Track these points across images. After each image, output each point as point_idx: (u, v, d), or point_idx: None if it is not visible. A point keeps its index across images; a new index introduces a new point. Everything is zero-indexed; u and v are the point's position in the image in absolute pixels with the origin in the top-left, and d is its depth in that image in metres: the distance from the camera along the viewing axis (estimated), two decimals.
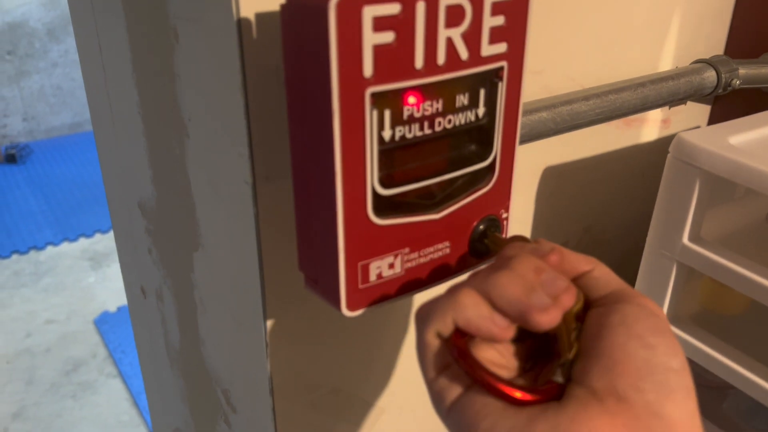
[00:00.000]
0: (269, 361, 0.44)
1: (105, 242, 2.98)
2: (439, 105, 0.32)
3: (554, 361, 0.29)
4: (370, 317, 0.48)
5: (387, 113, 0.30)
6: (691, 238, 0.43)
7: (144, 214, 0.61)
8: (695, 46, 0.59)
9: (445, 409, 0.29)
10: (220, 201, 0.43)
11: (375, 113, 0.30)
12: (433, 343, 0.30)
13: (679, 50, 0.58)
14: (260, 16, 0.34)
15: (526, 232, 0.56)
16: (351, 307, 0.33)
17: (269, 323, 0.42)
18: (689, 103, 0.62)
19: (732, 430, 0.46)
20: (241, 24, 0.34)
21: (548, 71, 0.50)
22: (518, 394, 0.27)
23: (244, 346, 0.46)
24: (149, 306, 0.71)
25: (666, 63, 0.58)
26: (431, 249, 0.35)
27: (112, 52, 0.53)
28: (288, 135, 0.32)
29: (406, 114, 0.31)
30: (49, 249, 2.94)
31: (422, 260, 0.35)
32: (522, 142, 0.45)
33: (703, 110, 0.64)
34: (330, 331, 0.46)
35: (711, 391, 0.49)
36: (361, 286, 0.33)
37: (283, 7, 0.29)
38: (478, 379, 0.28)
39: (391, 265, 0.34)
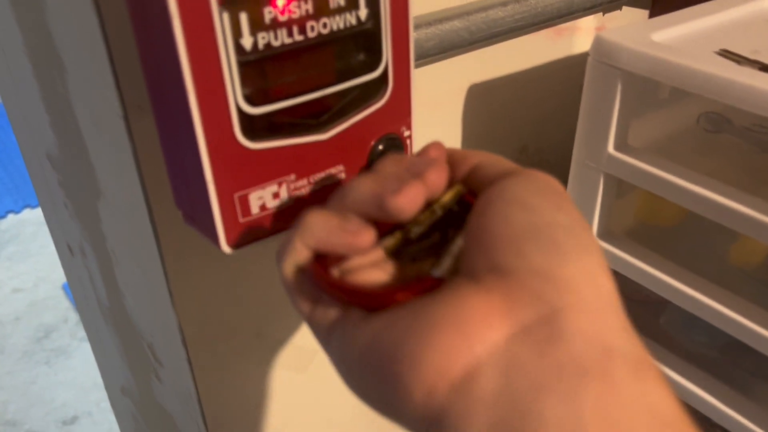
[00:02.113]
0: (176, 309, 0.41)
1: None
2: (308, 6, 0.28)
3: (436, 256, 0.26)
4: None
5: (243, 16, 0.26)
6: (617, 147, 0.40)
7: (53, 165, 0.57)
8: None
9: (324, 341, 0.26)
10: (103, 141, 0.39)
11: (226, 17, 0.26)
12: (294, 277, 0.27)
13: None
14: None
15: None
16: (232, 242, 0.30)
17: (171, 268, 0.39)
18: (625, 9, 0.58)
19: (669, 344, 0.44)
20: None
21: None
22: (386, 297, 0.24)
23: (153, 295, 0.43)
24: (77, 263, 0.67)
25: None
26: (322, 174, 0.32)
27: None
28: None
29: (267, 17, 0.27)
30: (11, 217, 2.87)
31: (313, 187, 0.32)
32: (433, 55, 0.42)
33: (642, 15, 0.60)
34: (244, 271, 0.43)
35: (647, 306, 0.47)
36: (242, 220, 0.30)
37: None
38: (340, 295, 0.25)
39: (276, 195, 0.30)
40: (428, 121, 0.49)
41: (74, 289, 0.78)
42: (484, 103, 0.52)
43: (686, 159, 0.41)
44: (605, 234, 0.44)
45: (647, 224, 0.46)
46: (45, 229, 2.80)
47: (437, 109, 0.49)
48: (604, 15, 0.57)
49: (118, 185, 0.40)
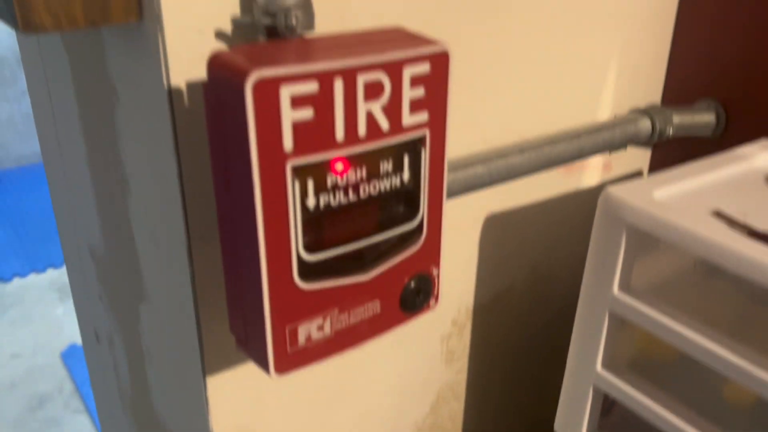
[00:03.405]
0: (211, 418, 0.44)
1: None
2: (362, 172, 0.33)
3: None
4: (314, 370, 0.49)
5: (310, 183, 0.31)
6: (621, 288, 0.45)
7: (94, 259, 0.61)
8: (633, 93, 0.62)
9: None
10: (160, 257, 0.44)
11: (297, 184, 0.31)
12: None
13: (617, 98, 0.61)
14: (192, 85, 0.35)
15: (470, 277, 0.57)
16: (280, 369, 0.34)
17: (210, 380, 0.43)
18: (630, 148, 0.64)
19: None
20: (172, 91, 0.35)
21: (486, 123, 0.51)
22: None
23: (187, 400, 0.47)
24: (102, 350, 0.70)
25: (605, 110, 0.60)
26: (361, 309, 0.36)
27: (60, 101, 0.53)
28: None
29: (329, 183, 0.32)
30: (16, 280, 2.89)
31: (352, 320, 0.36)
32: (457, 194, 0.47)
33: (644, 154, 0.66)
34: (274, 386, 0.47)
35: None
36: (289, 349, 0.34)
37: (205, 84, 0.30)
38: None
39: (320, 327, 0.34)
40: (448, 248, 0.53)
41: (93, 372, 0.80)
42: (499, 229, 0.57)
43: (684, 301, 0.45)
44: (609, 365, 0.48)
45: (649, 357, 0.50)
46: (49, 294, 2.83)
47: (457, 235, 0.54)
48: (610, 154, 0.63)
49: (169, 299, 0.44)
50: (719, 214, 0.43)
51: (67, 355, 2.47)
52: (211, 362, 0.42)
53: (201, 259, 0.39)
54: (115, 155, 0.46)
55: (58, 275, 2.92)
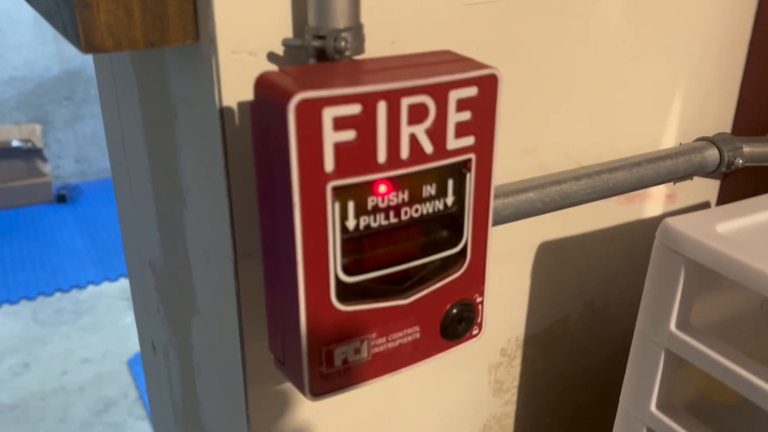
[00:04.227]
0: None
1: None
2: (404, 195, 0.33)
3: None
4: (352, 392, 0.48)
5: (350, 204, 0.31)
6: (679, 326, 0.43)
7: (154, 273, 0.63)
8: (701, 122, 0.59)
9: None
10: (210, 272, 0.45)
11: (337, 205, 0.31)
12: None
13: (684, 127, 0.58)
14: (243, 105, 0.36)
15: (522, 306, 0.55)
16: (315, 392, 0.33)
17: (251, 397, 0.43)
18: (696, 179, 0.61)
19: None
20: (224, 111, 0.36)
21: (542, 148, 0.50)
22: None
23: (230, 416, 0.47)
24: (158, 361, 0.72)
25: (669, 140, 0.58)
26: (400, 334, 0.35)
27: (129, 119, 0.56)
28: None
29: (370, 205, 0.32)
30: (90, 288, 3.02)
31: (390, 345, 0.35)
32: (508, 220, 0.46)
33: (712, 185, 0.63)
34: (317, 409, 0.47)
35: None
36: (325, 371, 0.33)
37: (251, 103, 0.31)
38: None
39: (357, 350, 0.34)
40: (498, 275, 0.52)
41: (149, 381, 0.83)
42: (553, 259, 0.55)
43: (747, 343, 0.42)
44: (665, 406, 0.45)
45: (708, 399, 0.47)
46: (120, 303, 2.94)
47: (508, 264, 0.52)
48: (675, 184, 0.60)
49: (216, 313, 0.45)
50: None
51: (134, 363, 2.56)
52: (254, 380, 0.43)
53: (247, 276, 0.40)
54: (174, 172, 0.47)
55: (129, 285, 3.03)
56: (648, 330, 0.44)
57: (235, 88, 0.35)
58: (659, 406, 0.45)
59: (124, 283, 3.05)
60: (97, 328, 2.78)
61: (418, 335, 0.36)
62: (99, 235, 3.37)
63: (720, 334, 0.43)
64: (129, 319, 2.83)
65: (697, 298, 0.43)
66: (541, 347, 0.58)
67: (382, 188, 0.32)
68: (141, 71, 0.49)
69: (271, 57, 0.35)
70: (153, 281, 0.64)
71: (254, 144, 0.32)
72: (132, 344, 2.67)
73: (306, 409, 0.46)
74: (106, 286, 3.02)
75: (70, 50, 3.47)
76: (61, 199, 3.53)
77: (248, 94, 0.36)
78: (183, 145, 0.44)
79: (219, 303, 0.44)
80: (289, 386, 0.44)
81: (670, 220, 0.42)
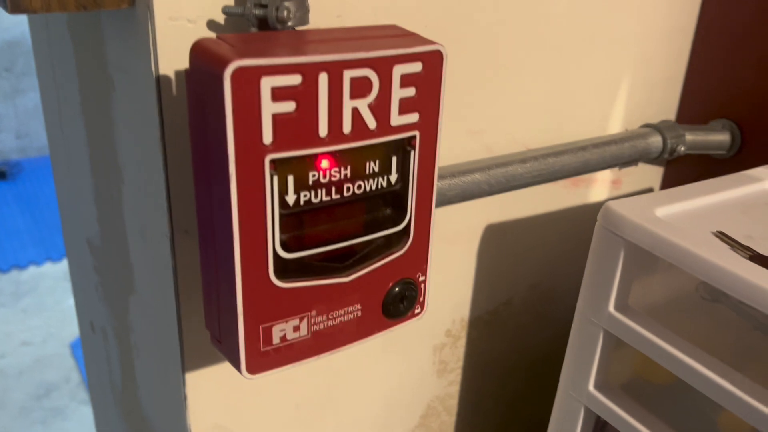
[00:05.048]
0: (188, 413, 0.43)
1: None
2: (347, 171, 0.32)
3: None
4: (296, 368, 0.48)
5: (290, 178, 0.30)
6: (617, 307, 0.43)
7: (92, 251, 0.61)
8: (646, 110, 0.60)
9: None
10: (147, 249, 0.43)
11: (276, 178, 0.30)
12: None
13: (630, 112, 0.59)
14: (181, 74, 0.35)
15: (467, 288, 0.55)
16: (252, 369, 0.33)
17: (189, 375, 0.42)
18: (641, 165, 0.62)
19: None
20: (161, 80, 0.34)
21: (490, 131, 0.50)
22: None
23: (168, 396, 0.46)
24: (97, 342, 0.70)
25: (615, 124, 0.59)
26: (341, 312, 0.35)
27: (66, 90, 0.53)
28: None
29: (311, 179, 0.31)
30: (32, 269, 2.92)
31: (331, 323, 0.35)
32: (454, 202, 0.46)
33: (656, 171, 0.65)
34: (257, 383, 0.46)
35: None
36: (263, 349, 0.33)
37: (187, 72, 0.29)
38: None
39: (296, 328, 0.33)
40: (444, 255, 0.52)
41: (89, 363, 0.80)
42: (499, 242, 0.55)
43: (682, 324, 0.43)
44: (601, 386, 0.46)
45: (643, 379, 0.48)
46: (63, 284, 2.85)
47: (454, 246, 0.52)
48: (620, 169, 0.61)
49: (153, 292, 0.44)
50: (722, 236, 0.41)
51: (76, 346, 2.49)
52: (191, 359, 0.41)
53: (184, 253, 0.38)
54: (111, 145, 0.46)
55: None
56: (588, 311, 0.45)
57: (173, 56, 0.34)
58: (597, 386, 0.46)
59: (67, 265, 2.95)
60: (38, 310, 2.69)
61: (359, 313, 0.35)
62: (41, 214, 3.25)
63: (656, 316, 0.43)
64: (72, 301, 2.74)
65: (635, 281, 0.44)
66: (486, 328, 0.58)
67: (324, 163, 0.31)
68: (77, 38, 0.47)
69: (211, 25, 0.34)
70: (91, 260, 0.62)
71: (190, 114, 0.30)
72: (75, 327, 2.59)
73: (246, 389, 0.46)
74: (48, 267, 2.92)
75: (9, 19, 3.32)
76: (1, 175, 3.40)
77: (186, 63, 0.35)
78: (120, 117, 0.42)
79: (156, 281, 0.43)
80: (228, 365, 0.43)
81: (611, 204, 0.43)
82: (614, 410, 0.45)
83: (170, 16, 0.33)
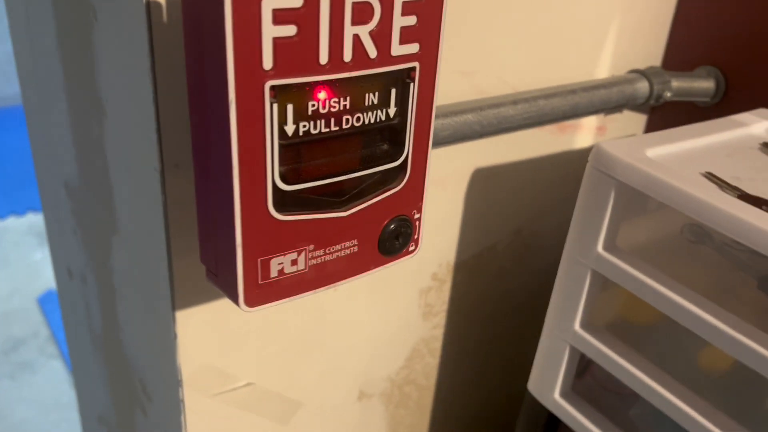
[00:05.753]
0: (178, 352, 0.43)
1: None
2: (346, 102, 0.31)
3: None
4: (285, 310, 0.47)
5: (289, 107, 0.30)
6: (606, 247, 0.44)
7: (69, 193, 0.59)
8: (632, 55, 0.60)
9: None
10: (133, 186, 0.42)
11: (275, 107, 0.29)
12: None
13: (616, 59, 0.59)
14: (172, 1, 0.33)
15: (454, 232, 0.56)
16: (250, 302, 0.32)
17: (179, 314, 0.42)
18: (626, 112, 0.63)
19: None
20: (151, 5, 0.33)
21: (480, 72, 0.50)
22: None
23: (156, 335, 0.46)
24: (74, 288, 0.69)
25: (602, 70, 0.59)
26: (338, 246, 0.35)
27: (39, 24, 0.51)
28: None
29: (310, 109, 0.30)
30: None
31: (328, 257, 0.34)
32: (446, 143, 0.45)
33: (640, 119, 0.65)
34: (245, 324, 0.46)
35: (620, 397, 0.50)
36: (261, 282, 0.32)
37: None
38: None
39: (294, 262, 0.33)
40: (433, 198, 0.52)
41: (65, 311, 0.79)
42: (486, 186, 0.55)
43: (668, 265, 0.44)
44: (587, 325, 0.47)
45: (627, 320, 0.49)
46: (28, 239, 2.79)
47: (442, 188, 0.52)
48: (606, 116, 0.61)
49: (140, 230, 0.43)
50: (711, 176, 0.42)
51: (44, 301, 2.46)
52: (182, 297, 0.41)
53: (175, 187, 0.38)
54: (92, 80, 0.44)
55: (38, 219, 2.88)
56: (576, 251, 0.46)
57: None
58: (582, 325, 0.47)
59: (32, 219, 2.89)
60: (3, 264, 2.64)
61: (356, 249, 0.35)
62: (3, 167, 3.16)
63: (642, 257, 0.44)
64: (39, 255, 2.70)
65: (624, 222, 0.45)
66: (470, 273, 0.59)
67: (323, 93, 0.30)
68: None
69: None
70: (68, 203, 0.61)
71: (185, 40, 0.29)
72: (43, 281, 2.55)
73: (235, 330, 0.45)
74: (12, 221, 2.86)
75: None
76: None
77: None
78: (102, 49, 0.41)
79: (143, 219, 0.42)
80: (217, 303, 0.43)
81: (602, 144, 0.43)
82: (600, 348, 0.46)
83: None
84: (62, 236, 0.67)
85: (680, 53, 0.62)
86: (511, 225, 0.60)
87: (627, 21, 0.58)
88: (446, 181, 0.52)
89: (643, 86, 0.55)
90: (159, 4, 0.33)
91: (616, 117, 0.62)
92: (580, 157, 0.61)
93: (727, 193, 0.40)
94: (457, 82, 0.48)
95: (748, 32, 0.57)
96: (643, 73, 0.56)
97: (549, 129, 0.57)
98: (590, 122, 0.60)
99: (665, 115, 0.64)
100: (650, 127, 0.65)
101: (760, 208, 0.38)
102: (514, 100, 0.48)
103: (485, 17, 0.48)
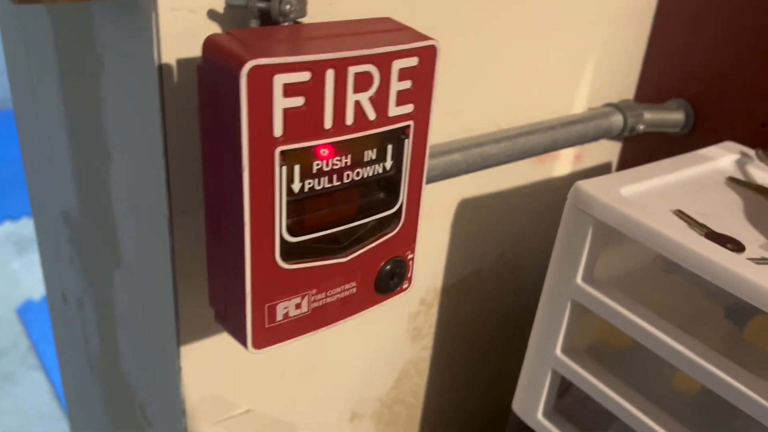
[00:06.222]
0: (182, 384, 0.45)
1: (32, 227, 2.87)
2: (347, 159, 0.34)
3: None
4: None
5: (296, 168, 0.32)
6: (584, 279, 0.47)
7: (67, 223, 0.61)
8: (608, 88, 0.63)
9: None
10: (139, 227, 0.44)
11: (284, 169, 0.31)
12: None
13: (593, 92, 0.62)
14: (182, 62, 0.36)
15: (441, 259, 0.58)
16: (257, 345, 0.35)
17: (183, 348, 0.44)
18: (601, 141, 0.66)
19: None
20: (163, 68, 0.35)
21: (467, 112, 0.52)
22: None
23: (160, 367, 0.48)
24: (70, 312, 0.70)
25: (580, 104, 0.62)
26: (338, 289, 0.37)
27: (40, 62, 0.53)
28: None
29: (315, 168, 0.33)
30: None
31: (329, 299, 0.37)
32: (434, 180, 0.48)
33: (614, 147, 0.68)
34: (246, 354, 0.48)
35: (598, 415, 0.53)
36: (267, 326, 0.35)
37: (199, 67, 0.31)
38: None
39: (298, 306, 0.36)
40: (421, 230, 0.54)
41: (58, 332, 0.80)
42: (471, 215, 0.58)
43: (643, 293, 0.47)
44: (568, 349, 0.50)
45: (606, 342, 0.52)
46: (5, 248, 2.76)
47: (429, 219, 0.55)
48: (583, 145, 0.64)
49: (146, 268, 0.45)
50: (680, 214, 0.45)
51: (23, 311, 2.44)
52: (186, 333, 0.43)
53: (181, 232, 0.40)
54: (97, 124, 0.46)
55: (16, 228, 2.85)
56: (557, 282, 0.49)
57: (175, 44, 0.35)
58: (563, 350, 0.50)
59: (10, 227, 2.86)
60: None
61: (354, 290, 0.38)
62: None
63: (618, 285, 0.47)
64: (17, 264, 2.67)
65: (601, 254, 0.48)
66: (457, 296, 0.62)
67: (326, 152, 0.33)
68: (55, 14, 0.46)
69: (212, 15, 0.35)
70: (66, 231, 0.62)
71: (201, 106, 0.32)
72: (22, 291, 2.53)
73: (235, 361, 0.48)
74: None
75: None
76: None
77: (187, 51, 0.36)
78: (110, 98, 0.43)
79: (150, 258, 0.44)
80: (219, 338, 0.45)
81: (580, 183, 0.46)
82: (579, 372, 0.49)
83: (173, 6, 0.34)
84: (58, 262, 0.69)
85: (652, 86, 0.65)
86: (496, 250, 0.63)
87: (603, 57, 0.61)
88: (434, 212, 0.55)
89: (617, 120, 0.59)
90: (170, 66, 0.35)
91: (592, 146, 0.65)
92: (559, 183, 0.65)
93: (695, 230, 0.43)
94: (445, 121, 0.51)
95: (716, 67, 0.61)
96: (618, 107, 0.60)
97: (530, 161, 0.60)
98: (568, 152, 0.64)
99: (638, 142, 0.67)
100: (624, 155, 0.69)
101: (725, 246, 0.41)
102: (497, 139, 0.51)
103: (470, 60, 0.50)
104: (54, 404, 2.05)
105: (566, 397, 0.54)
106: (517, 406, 0.55)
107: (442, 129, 0.51)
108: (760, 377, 0.40)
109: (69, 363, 0.79)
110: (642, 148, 0.67)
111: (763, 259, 0.41)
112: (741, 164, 0.54)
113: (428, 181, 0.47)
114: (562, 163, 0.64)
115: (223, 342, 0.46)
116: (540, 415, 0.53)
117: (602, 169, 0.68)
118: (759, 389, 0.39)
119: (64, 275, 0.68)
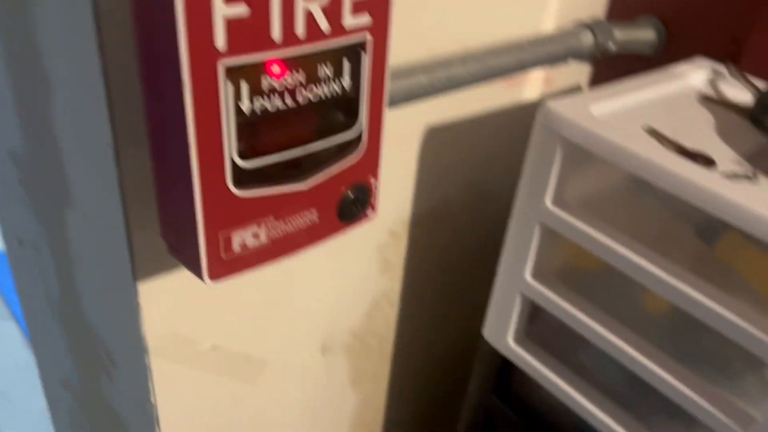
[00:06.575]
0: (143, 322, 0.43)
1: None
2: (300, 77, 0.32)
3: None
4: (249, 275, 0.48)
5: (244, 85, 0.30)
6: (554, 202, 0.46)
7: (15, 163, 0.58)
8: (578, 5, 0.61)
9: None
10: (85, 160, 0.42)
11: (230, 86, 0.29)
12: None
13: (562, 10, 0.60)
14: None
15: (409, 188, 0.57)
16: (213, 275, 0.33)
17: (141, 284, 0.42)
18: (571, 63, 0.64)
19: (585, 375, 0.50)
20: None
21: (430, 31, 0.50)
22: None
23: (118, 305, 0.46)
24: (27, 256, 0.68)
25: (549, 23, 0.59)
26: (298, 217, 0.35)
27: None
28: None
29: (265, 86, 0.31)
30: None
31: (288, 228, 0.35)
32: (399, 103, 0.46)
33: (585, 70, 0.66)
34: (207, 292, 0.46)
35: (568, 339, 0.53)
36: (223, 256, 0.33)
37: None
38: None
39: (256, 235, 0.34)
40: (387, 157, 0.53)
41: (18, 278, 0.78)
42: (439, 142, 0.56)
43: (613, 214, 0.47)
44: (537, 274, 0.49)
45: (576, 267, 0.52)
46: None
47: (397, 147, 0.53)
48: (552, 67, 0.62)
49: (96, 204, 0.43)
50: (652, 131, 0.44)
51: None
52: (142, 268, 0.41)
53: (129, 163, 0.37)
54: (34, 54, 0.43)
55: None
56: (526, 205, 0.47)
57: None
58: (533, 275, 0.49)
59: None
60: None
61: (315, 218, 0.36)
62: None
63: (589, 209, 0.46)
64: None
65: (570, 177, 0.47)
66: (426, 227, 0.61)
67: (277, 68, 0.31)
68: None
69: None
70: (16, 172, 0.59)
71: (135, 21, 0.29)
72: None
73: (198, 295, 0.46)
74: None
75: None
76: None
77: None
78: (44, 25, 0.39)
79: (98, 193, 0.42)
80: (178, 272, 0.43)
81: (550, 104, 0.44)
82: (549, 296, 0.48)
83: None
84: (10, 205, 0.66)
85: (622, 2, 0.63)
86: (465, 179, 0.62)
87: None
88: (400, 139, 0.53)
89: (588, 39, 0.57)
90: None
91: (561, 69, 0.63)
92: (529, 108, 0.63)
93: (667, 148, 0.42)
94: (405, 40, 0.49)
95: None
96: (588, 26, 0.57)
97: (498, 84, 0.58)
98: (537, 75, 0.62)
99: (608, 63, 0.66)
100: (595, 76, 0.67)
101: (695, 161, 0.40)
102: (464, 60, 0.48)
103: None
104: (29, 354, 2.04)
105: (537, 323, 0.54)
106: (488, 332, 0.55)
107: (405, 51, 0.48)
108: (731, 294, 0.39)
109: (32, 309, 0.77)
110: (613, 69, 0.65)
111: (734, 174, 0.40)
112: (712, 81, 0.52)
113: (392, 105, 0.45)
114: (532, 86, 0.62)
115: (183, 277, 0.44)
116: (510, 341, 0.53)
117: (572, 92, 0.66)
118: (729, 305, 0.39)
119: (18, 219, 0.65)
